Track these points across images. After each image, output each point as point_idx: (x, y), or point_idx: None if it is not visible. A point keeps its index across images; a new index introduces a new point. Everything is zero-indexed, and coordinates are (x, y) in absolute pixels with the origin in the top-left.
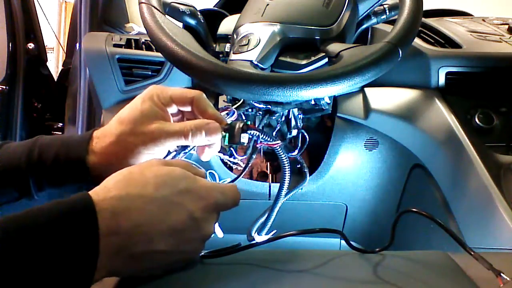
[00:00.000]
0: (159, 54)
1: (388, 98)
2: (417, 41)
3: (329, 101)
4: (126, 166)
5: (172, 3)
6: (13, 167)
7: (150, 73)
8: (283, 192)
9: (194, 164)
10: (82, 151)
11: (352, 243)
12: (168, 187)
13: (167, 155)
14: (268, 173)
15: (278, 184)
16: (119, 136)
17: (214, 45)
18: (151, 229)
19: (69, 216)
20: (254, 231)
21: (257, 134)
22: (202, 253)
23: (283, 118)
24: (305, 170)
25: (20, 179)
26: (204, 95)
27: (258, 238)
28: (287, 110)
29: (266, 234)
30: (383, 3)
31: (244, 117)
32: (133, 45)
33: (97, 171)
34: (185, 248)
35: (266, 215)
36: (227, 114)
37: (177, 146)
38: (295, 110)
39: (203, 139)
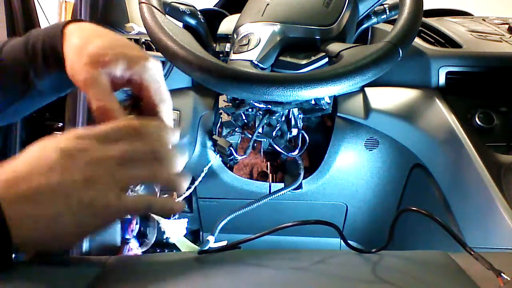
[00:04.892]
0: (159, 54)
1: (388, 98)
2: (417, 41)
3: (329, 101)
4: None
5: (172, 3)
6: (17, 62)
7: None
8: None
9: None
10: (57, 43)
11: (353, 243)
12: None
13: None
14: (268, 173)
15: (278, 184)
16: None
17: (214, 45)
18: (27, 168)
19: None
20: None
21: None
22: (201, 249)
23: (283, 118)
24: (300, 172)
25: (23, 72)
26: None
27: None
28: (287, 110)
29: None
30: (383, 3)
31: (244, 117)
32: None
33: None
34: (71, 176)
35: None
36: (231, 134)
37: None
38: (295, 110)
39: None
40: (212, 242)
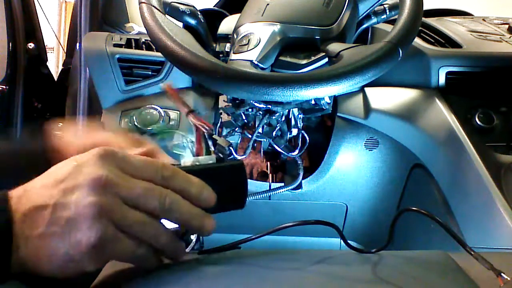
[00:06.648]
0: (159, 54)
1: (389, 98)
2: (417, 41)
3: (329, 101)
4: None
5: (172, 3)
6: None
7: (150, 73)
8: None
9: None
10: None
11: (353, 243)
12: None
13: None
14: (268, 172)
15: (278, 184)
16: None
17: (214, 45)
18: (35, 186)
19: None
20: None
21: None
22: (197, 248)
23: (283, 118)
24: (300, 172)
25: None
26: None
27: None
28: (287, 110)
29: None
30: (383, 3)
31: (244, 117)
32: (133, 45)
33: None
34: (71, 198)
35: None
36: (230, 134)
37: None
38: (295, 110)
39: None
40: None
